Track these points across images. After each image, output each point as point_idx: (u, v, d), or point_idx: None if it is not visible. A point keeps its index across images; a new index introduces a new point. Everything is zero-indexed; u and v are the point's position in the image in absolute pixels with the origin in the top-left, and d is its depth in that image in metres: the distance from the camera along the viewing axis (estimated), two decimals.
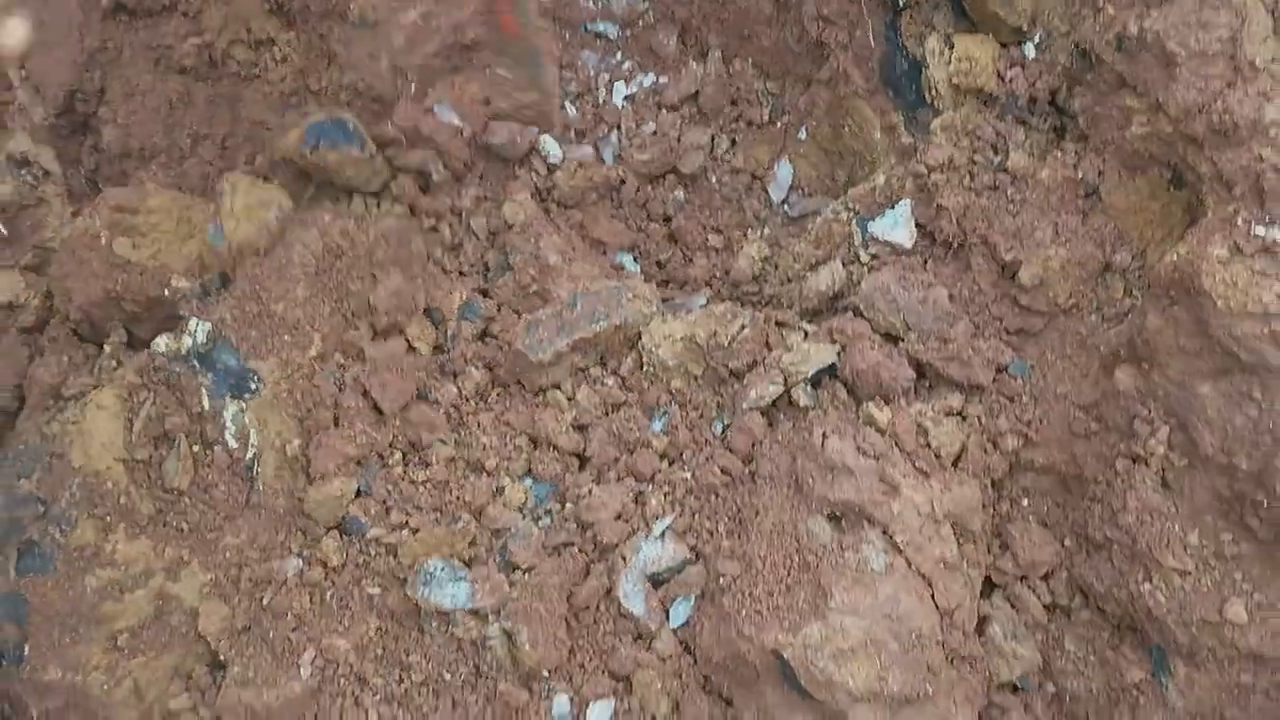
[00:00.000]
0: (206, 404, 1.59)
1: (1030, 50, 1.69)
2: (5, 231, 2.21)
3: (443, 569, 1.45)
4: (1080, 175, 1.56)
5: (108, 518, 1.52)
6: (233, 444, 1.57)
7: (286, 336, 1.63)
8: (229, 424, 1.58)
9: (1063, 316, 1.55)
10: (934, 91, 1.75)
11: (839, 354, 1.56)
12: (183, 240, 1.78)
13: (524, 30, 1.82)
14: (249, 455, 1.57)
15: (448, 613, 1.44)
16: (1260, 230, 1.29)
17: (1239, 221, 1.31)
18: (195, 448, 1.58)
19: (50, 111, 2.16)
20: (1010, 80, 1.67)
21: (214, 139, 2.13)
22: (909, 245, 1.68)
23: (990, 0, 1.67)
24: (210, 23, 2.06)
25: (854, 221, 1.74)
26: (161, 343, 1.63)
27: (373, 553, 1.54)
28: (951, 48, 1.73)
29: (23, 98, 2.18)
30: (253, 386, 1.59)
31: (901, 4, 1.77)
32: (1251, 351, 1.27)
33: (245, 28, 2.06)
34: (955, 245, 1.62)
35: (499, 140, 1.96)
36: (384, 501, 1.58)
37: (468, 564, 1.49)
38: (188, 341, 1.62)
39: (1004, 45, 1.71)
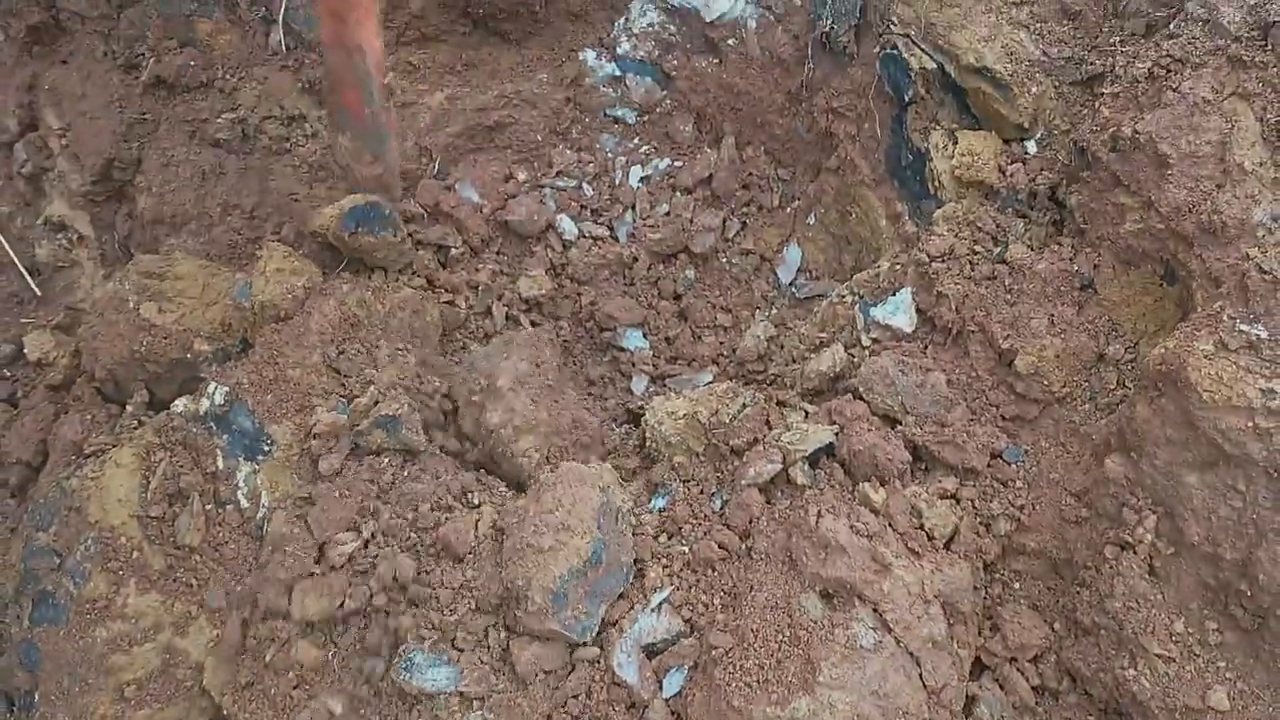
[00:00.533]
0: (221, 464, 1.64)
1: (1031, 147, 1.74)
2: (39, 292, 2.29)
3: (423, 656, 1.46)
4: (1076, 268, 1.60)
5: (120, 571, 1.56)
6: (244, 504, 1.62)
7: (301, 401, 1.68)
8: (241, 484, 1.63)
9: (1057, 405, 1.59)
10: (937, 183, 1.80)
11: (837, 434, 1.59)
12: (207, 306, 1.85)
13: (369, 110, 1.86)
14: (259, 515, 1.61)
15: (433, 695, 1.45)
16: (1245, 327, 1.32)
17: (1225, 318, 1.34)
18: (208, 506, 1.62)
19: (88, 179, 2.25)
20: (1011, 175, 1.73)
21: (243, 209, 2.20)
22: (909, 330, 1.72)
23: (993, 98, 1.73)
24: (245, 99, 2.14)
25: (858, 305, 1.79)
26: (181, 404, 1.69)
27: (370, 623, 1.57)
28: (955, 142, 1.78)
29: (62, 165, 2.27)
30: (266, 448, 1.64)
31: (908, 99, 1.82)
32: (1236, 444, 1.30)
33: (278, 104, 2.14)
34: (954, 332, 1.66)
35: (517, 217, 2.02)
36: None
37: (457, 646, 1.50)
38: (206, 404, 1.67)
39: (1006, 141, 1.77)
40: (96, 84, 2.19)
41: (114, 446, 1.69)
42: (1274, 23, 1.37)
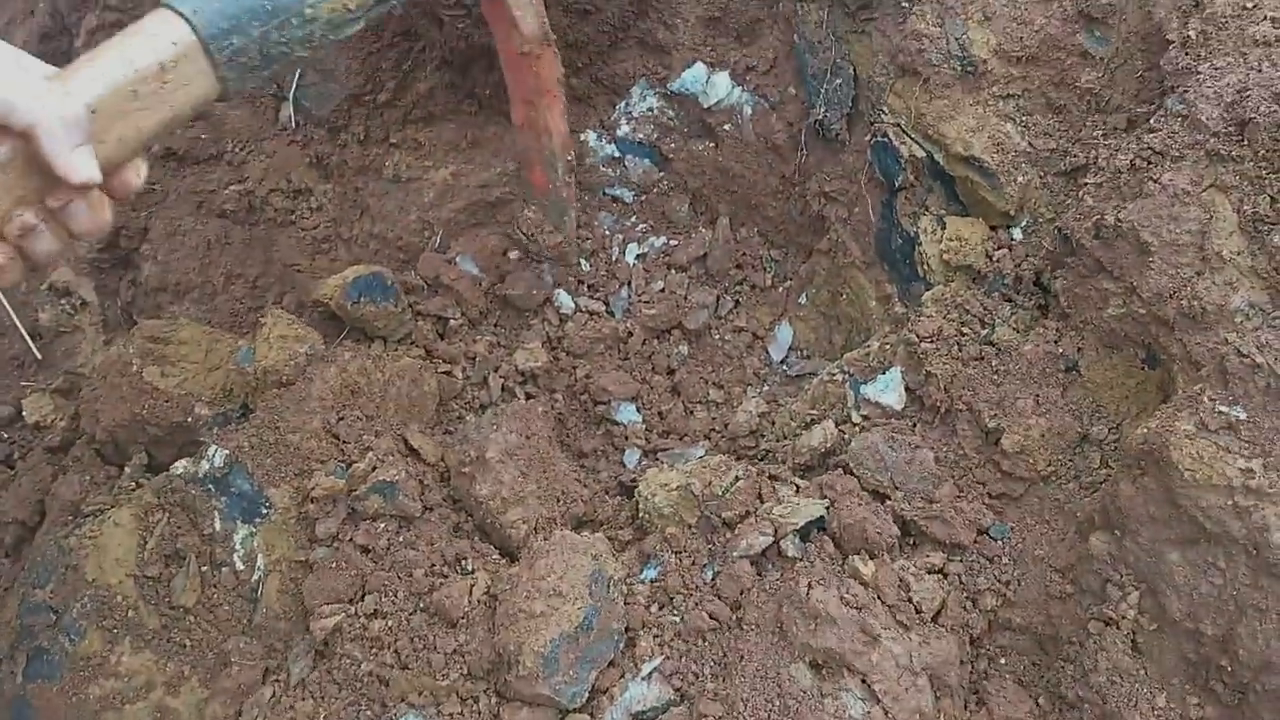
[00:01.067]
0: (218, 526, 1.66)
1: (1017, 234, 1.80)
2: (40, 356, 2.32)
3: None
4: (1061, 351, 1.65)
5: (115, 630, 1.57)
6: (240, 566, 1.63)
7: (300, 465, 1.71)
8: (238, 546, 1.64)
9: (1042, 483, 1.62)
10: (926, 266, 1.85)
11: (828, 508, 1.62)
12: (209, 371, 1.88)
13: (553, 185, 1.98)
14: (254, 577, 1.63)
15: None
16: (1224, 409, 1.36)
17: (1205, 400, 1.38)
18: (204, 568, 1.64)
19: (94, 246, 2.29)
20: (998, 260, 1.78)
21: (246, 278, 2.25)
22: (899, 408, 1.76)
23: (980, 186, 1.78)
24: (253, 171, 2.19)
25: (848, 383, 1.83)
26: (181, 466, 1.71)
27: (362, 685, 1.58)
28: (944, 227, 1.84)
29: None
30: (264, 511, 1.66)
31: (898, 185, 1.88)
32: (1216, 522, 1.33)
33: (285, 178, 2.19)
34: (942, 410, 1.70)
35: (516, 291, 2.07)
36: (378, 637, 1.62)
37: (448, 711, 1.51)
38: (206, 466, 1.69)
39: (992, 228, 1.82)
40: None
41: (113, 507, 1.71)
42: (1249, 120, 1.42)
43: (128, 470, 1.81)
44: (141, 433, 1.83)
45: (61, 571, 1.62)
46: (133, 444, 1.85)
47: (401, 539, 1.66)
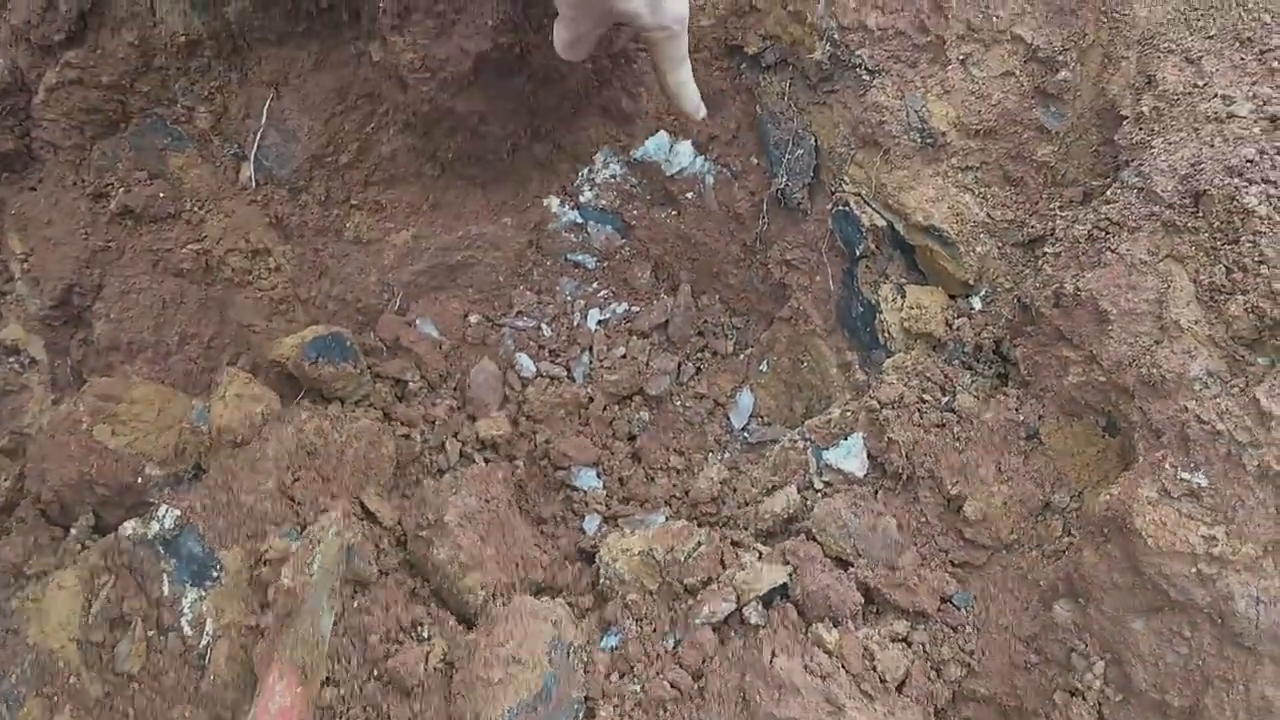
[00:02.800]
0: (166, 590, 1.61)
1: (976, 303, 1.82)
2: None
3: None
4: (1022, 418, 1.66)
5: (55, 698, 1.51)
6: (188, 631, 1.58)
7: (253, 527, 1.67)
8: (187, 611, 1.59)
9: (1005, 551, 1.62)
10: (887, 334, 1.86)
11: (791, 575, 1.61)
12: (161, 430, 1.84)
13: None
14: (203, 643, 1.58)
15: None
16: (1186, 475, 1.37)
17: (1167, 466, 1.39)
18: (150, 633, 1.58)
19: (46, 304, 2.24)
20: (958, 328, 1.79)
21: (200, 338, 2.21)
22: (861, 475, 1.76)
23: (940, 255, 1.80)
24: (211, 230, 2.17)
25: (810, 450, 1.82)
26: (129, 527, 1.66)
27: None
28: (904, 296, 1.85)
29: (21, 289, 2.27)
30: (214, 575, 1.62)
31: (859, 254, 1.90)
32: (1180, 590, 1.34)
33: (244, 237, 2.17)
34: (905, 477, 1.70)
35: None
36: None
37: None
38: (155, 527, 1.65)
39: (952, 297, 1.84)
40: (64, 211, 2.20)
41: (57, 569, 1.65)
42: (1204, 192, 1.46)
43: (74, 531, 1.76)
44: (89, 493, 1.78)
45: (1, 635, 1.56)
46: (80, 505, 1.79)
47: (356, 604, 1.62)
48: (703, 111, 1.75)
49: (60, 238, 2.21)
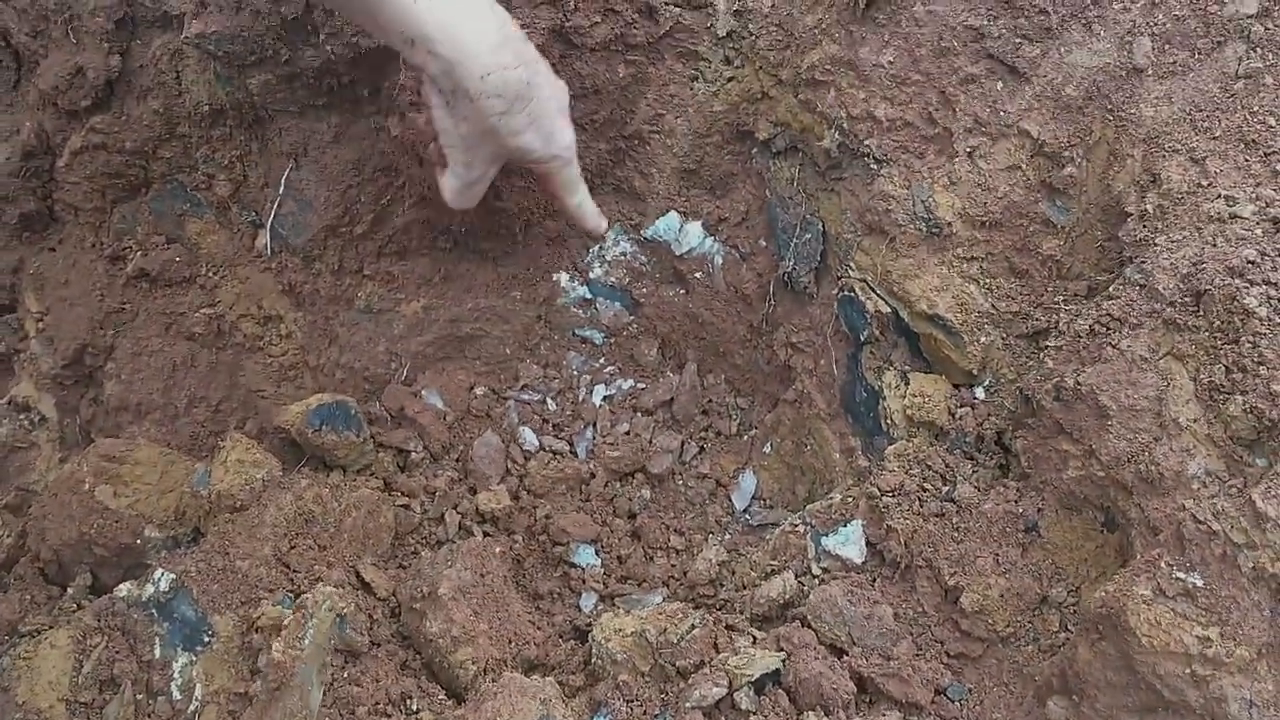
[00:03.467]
0: (158, 653, 1.60)
1: (979, 392, 1.82)
2: None
3: None
4: (1021, 510, 1.65)
5: None
6: (177, 695, 1.57)
7: (247, 594, 1.67)
8: (177, 675, 1.59)
9: (1001, 645, 1.60)
10: (890, 421, 1.86)
11: (784, 661, 1.59)
12: (162, 493, 1.85)
13: None
14: (190, 709, 1.57)
15: None
16: (1181, 575, 1.36)
17: (1163, 565, 1.38)
18: (139, 696, 1.58)
19: (58, 363, 2.28)
20: (960, 418, 1.79)
21: (209, 402, 2.23)
22: (859, 562, 1.75)
23: (944, 344, 1.81)
24: (225, 296, 2.20)
25: (809, 535, 1.81)
26: (125, 589, 1.66)
27: None
28: (907, 383, 1.86)
29: (35, 348, 2.31)
30: (206, 639, 1.62)
31: (864, 339, 1.90)
32: (1174, 691, 1.32)
33: (257, 304, 2.20)
34: (903, 566, 1.69)
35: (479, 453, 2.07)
36: None
37: None
38: (150, 589, 1.65)
39: (955, 386, 1.84)
40: (81, 272, 2.24)
41: (50, 628, 1.65)
42: (1205, 291, 1.46)
43: (70, 591, 1.76)
44: (88, 553, 1.79)
45: None
46: (78, 564, 1.80)
47: (346, 674, 1.61)
48: (604, 225, 1.90)
49: (76, 298, 2.25)
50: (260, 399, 2.22)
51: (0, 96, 2.23)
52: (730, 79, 2.06)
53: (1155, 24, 1.70)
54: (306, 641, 1.54)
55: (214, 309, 2.20)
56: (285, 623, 1.59)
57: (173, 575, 1.67)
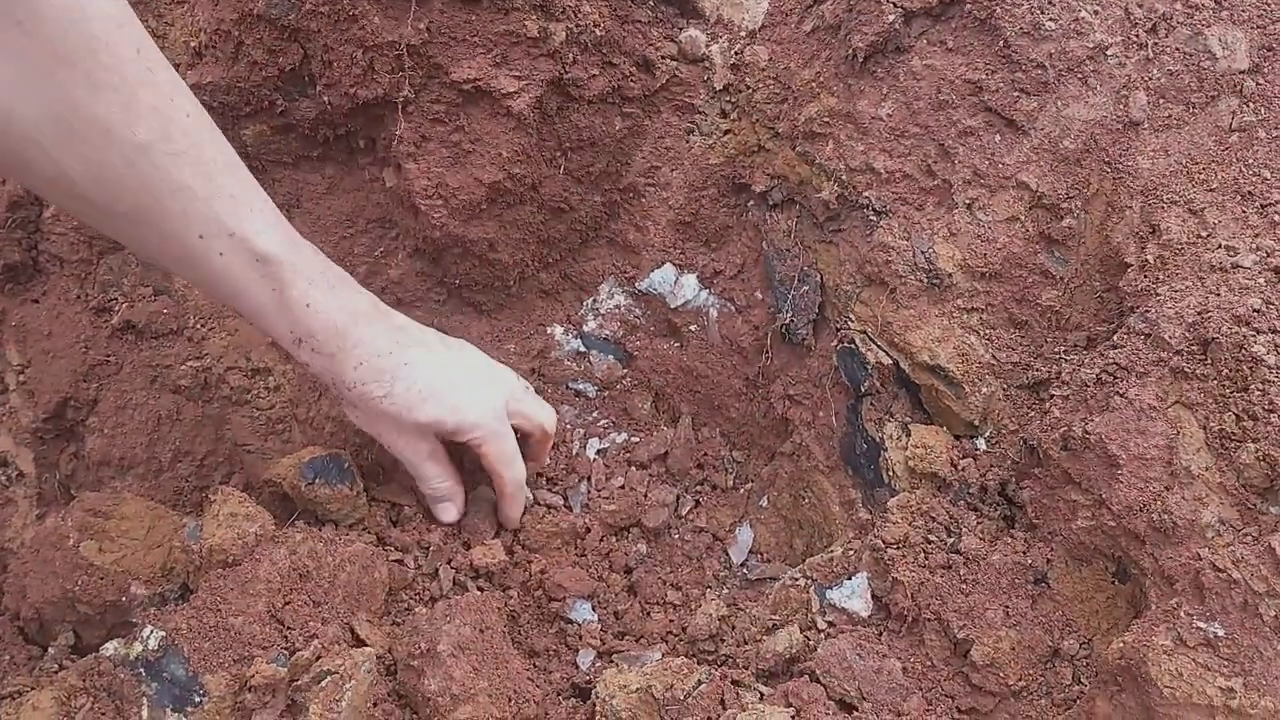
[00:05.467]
0: (146, 714, 1.54)
1: (981, 443, 1.81)
2: None
3: None
4: (1030, 562, 1.63)
5: None
6: None
7: (240, 651, 1.61)
8: None
9: (1013, 699, 1.57)
10: (891, 473, 1.85)
11: (793, 718, 1.56)
12: (149, 549, 1.80)
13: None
14: None
15: None
16: (1202, 624, 1.35)
17: (1182, 615, 1.37)
18: None
19: (39, 416, 2.23)
20: (963, 469, 1.78)
21: (194, 456, 2.19)
22: (865, 615, 1.72)
23: (945, 395, 1.80)
24: (212, 348, 2.17)
25: (812, 589, 1.79)
26: (111, 647, 1.60)
27: None
28: (909, 434, 1.85)
29: (15, 401, 2.26)
30: (196, 699, 1.56)
31: (863, 391, 1.90)
32: None
33: (245, 356, 2.17)
34: (910, 619, 1.67)
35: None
36: None
37: None
38: (138, 648, 1.59)
39: (957, 437, 1.83)
40: (64, 324, 2.20)
41: (32, 689, 1.59)
42: (1212, 339, 1.46)
43: (52, 650, 1.70)
44: (71, 611, 1.73)
45: None
46: (60, 623, 1.74)
47: None
48: (511, 524, 1.95)
49: (59, 350, 2.20)
50: (246, 453, 2.17)
51: None
52: (727, 132, 2.07)
53: (1150, 79, 1.72)
54: (344, 704, 1.50)
55: (201, 361, 2.16)
56: (324, 685, 1.54)
57: (162, 633, 1.61)
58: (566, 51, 1.87)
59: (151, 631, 1.62)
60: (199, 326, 2.17)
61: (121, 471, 2.18)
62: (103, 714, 1.56)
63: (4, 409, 2.27)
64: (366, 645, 1.71)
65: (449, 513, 1.88)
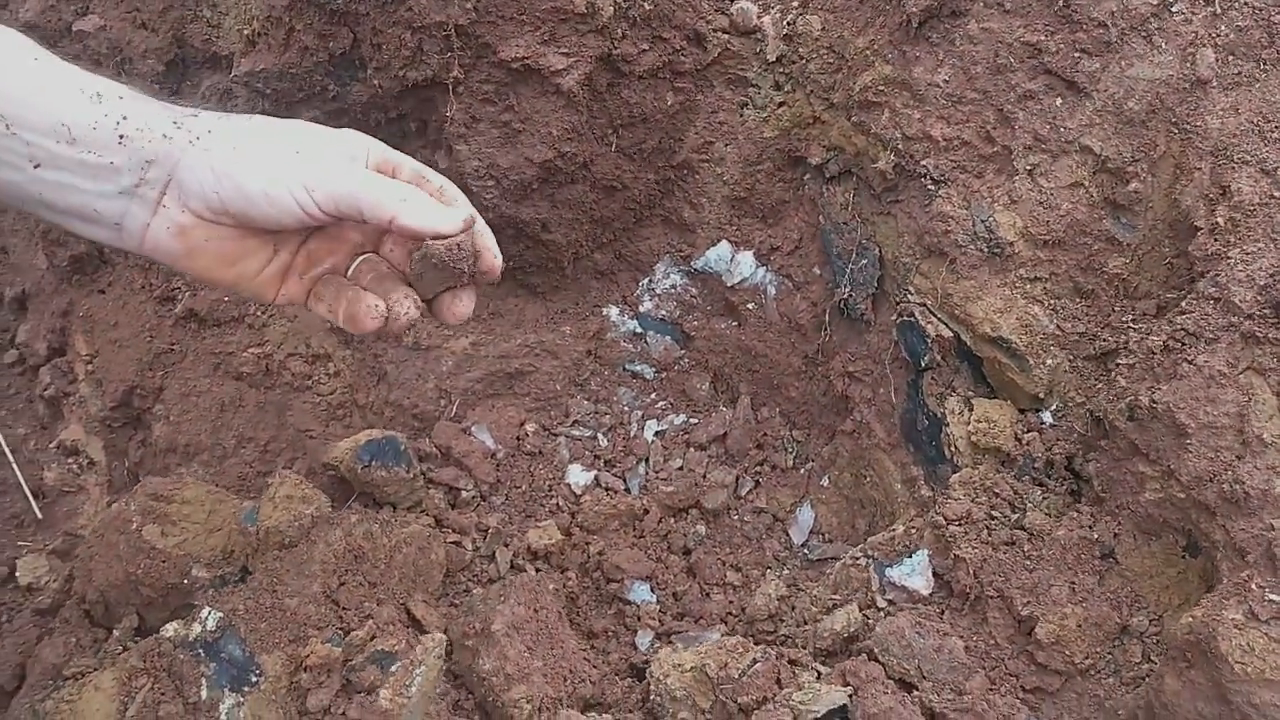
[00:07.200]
0: (205, 694, 1.56)
1: (1047, 417, 1.75)
2: (40, 515, 2.27)
3: None
4: (1096, 536, 1.58)
5: None
6: None
7: (296, 631, 1.62)
8: (224, 717, 1.54)
9: (1079, 677, 1.52)
10: (953, 449, 1.80)
11: (851, 696, 1.52)
12: (210, 532, 1.82)
13: None
14: None
15: None
16: (1275, 597, 1.29)
17: (1253, 587, 1.31)
18: None
19: (107, 405, 2.27)
20: (1028, 443, 1.73)
21: (258, 442, 2.21)
22: (926, 593, 1.68)
23: (1008, 368, 1.75)
24: (273, 335, 2.19)
25: (872, 567, 1.75)
26: (171, 629, 1.63)
27: None
28: (971, 409, 1.80)
29: (85, 390, 2.30)
30: (254, 679, 1.57)
31: (924, 365, 1.85)
32: None
33: (305, 342, 2.18)
34: (972, 597, 1.62)
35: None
36: None
37: None
38: (197, 629, 1.61)
39: (1021, 410, 1.78)
40: (130, 314, 2.24)
41: (95, 670, 1.62)
42: None
43: (116, 633, 1.73)
44: (134, 594, 1.75)
45: None
46: (124, 605, 1.77)
47: (375, 705, 1.56)
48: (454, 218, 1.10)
49: (125, 340, 2.24)
50: (309, 438, 2.19)
51: None
52: (781, 104, 2.03)
53: (1218, 35, 1.65)
54: (413, 690, 1.50)
55: (262, 348, 2.18)
56: (393, 670, 1.55)
57: (220, 614, 1.63)
58: (615, 27, 1.85)
59: (210, 613, 1.63)
60: (259, 314, 2.20)
61: (188, 458, 2.22)
62: (163, 694, 1.58)
63: (74, 399, 2.31)
64: (422, 625, 1.71)
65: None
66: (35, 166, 1.00)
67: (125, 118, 1.03)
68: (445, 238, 1.04)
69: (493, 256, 1.11)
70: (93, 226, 1.06)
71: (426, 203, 1.06)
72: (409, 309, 1.09)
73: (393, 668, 1.56)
